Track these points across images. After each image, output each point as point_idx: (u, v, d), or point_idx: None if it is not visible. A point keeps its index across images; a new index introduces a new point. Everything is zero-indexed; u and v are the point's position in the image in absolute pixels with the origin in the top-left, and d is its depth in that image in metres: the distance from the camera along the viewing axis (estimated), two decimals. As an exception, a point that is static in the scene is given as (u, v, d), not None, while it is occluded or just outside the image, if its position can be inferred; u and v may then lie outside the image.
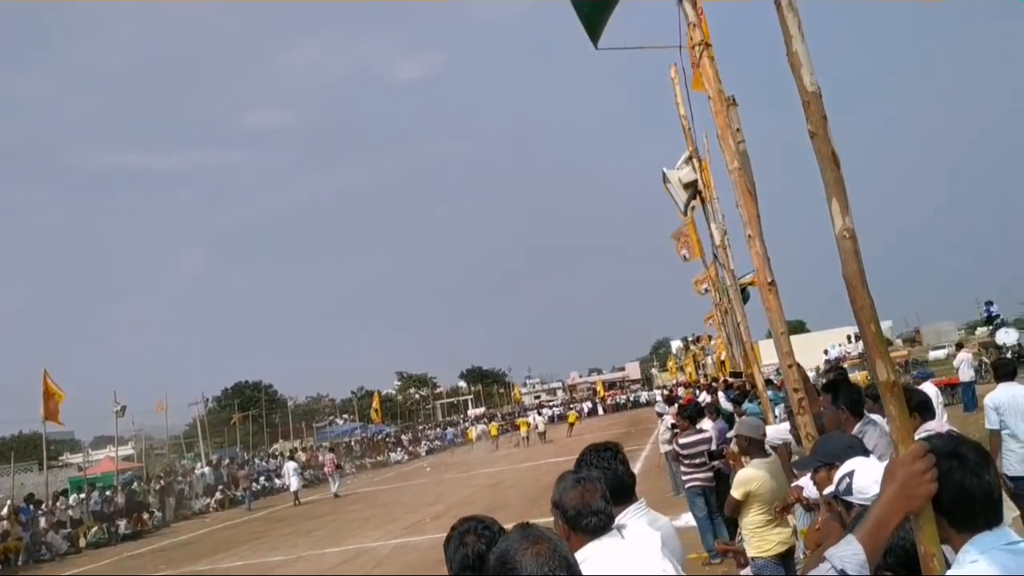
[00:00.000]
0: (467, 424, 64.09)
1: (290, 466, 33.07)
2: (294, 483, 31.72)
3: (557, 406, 72.52)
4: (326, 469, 34.31)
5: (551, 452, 34.90)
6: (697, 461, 10.24)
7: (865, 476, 3.03)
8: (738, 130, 5.93)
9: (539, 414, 54.05)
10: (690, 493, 10.36)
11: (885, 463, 3.47)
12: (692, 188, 10.19)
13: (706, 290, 22.28)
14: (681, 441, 10.48)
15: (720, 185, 10.47)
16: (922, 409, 5.14)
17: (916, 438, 2.37)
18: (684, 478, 10.53)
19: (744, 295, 12.13)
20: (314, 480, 39.27)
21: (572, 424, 50.36)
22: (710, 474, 10.26)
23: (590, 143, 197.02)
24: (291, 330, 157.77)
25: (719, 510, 10.07)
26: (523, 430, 48.16)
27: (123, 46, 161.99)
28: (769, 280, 5.09)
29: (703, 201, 10.22)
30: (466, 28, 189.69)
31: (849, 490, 3.03)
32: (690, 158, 10.25)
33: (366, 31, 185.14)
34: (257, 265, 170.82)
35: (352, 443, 51.44)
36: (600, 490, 2.86)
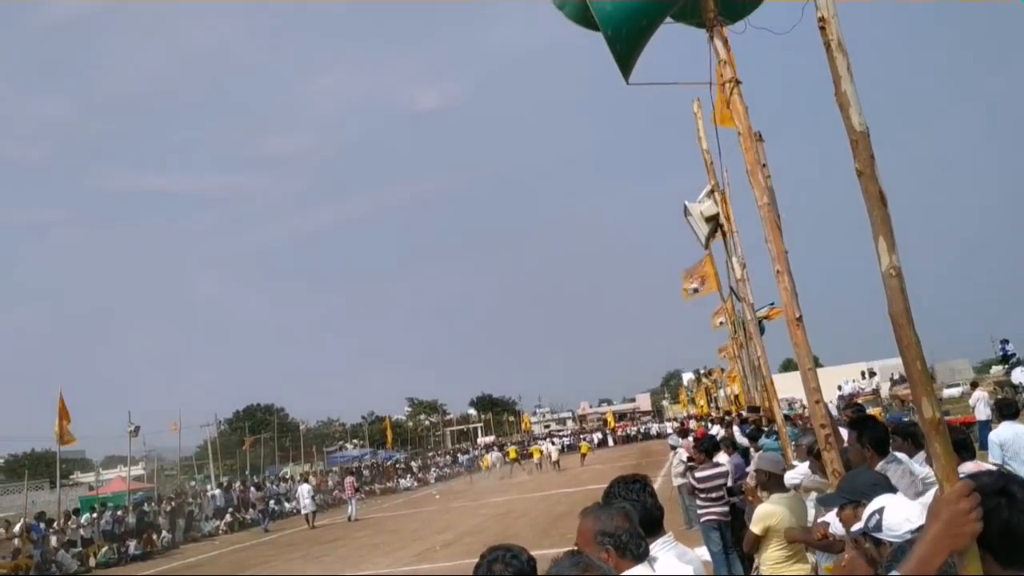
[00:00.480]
0: (481, 451, 63.57)
1: (304, 489, 33.02)
2: (307, 506, 31.63)
3: (567, 436, 71.88)
4: (346, 493, 34.33)
5: (562, 482, 34.72)
6: (713, 495, 10.16)
7: (895, 513, 3.02)
8: (764, 165, 5.98)
9: (552, 443, 54.52)
10: (705, 527, 10.25)
11: (916, 501, 3.47)
12: (714, 221, 10.21)
13: (721, 323, 22.27)
14: (698, 475, 10.40)
15: (741, 219, 10.54)
16: (959, 448, 5.13)
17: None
18: (700, 512, 10.42)
19: (759, 329, 12.12)
20: (323, 504, 39.15)
21: (584, 454, 51.13)
22: (726, 508, 10.18)
23: (606, 174, 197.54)
24: (303, 354, 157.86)
25: (734, 545, 10.00)
26: (536, 457, 48.88)
27: (148, 71, 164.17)
28: (797, 315, 5.10)
29: (724, 235, 10.25)
30: (485, 59, 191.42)
31: (879, 527, 3.00)
32: (712, 191, 10.29)
33: (386, 60, 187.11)
34: (272, 289, 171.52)
35: (362, 468, 51.27)
36: (636, 519, 2.91)
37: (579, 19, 5.52)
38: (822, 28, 3.23)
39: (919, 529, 2.79)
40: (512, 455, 51.54)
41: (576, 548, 2.28)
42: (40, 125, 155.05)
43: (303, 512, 31.96)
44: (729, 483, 10.33)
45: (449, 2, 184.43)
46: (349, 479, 35.57)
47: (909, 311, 2.70)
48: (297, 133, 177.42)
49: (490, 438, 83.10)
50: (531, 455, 50.99)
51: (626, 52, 5.27)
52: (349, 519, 31.28)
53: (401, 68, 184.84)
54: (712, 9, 5.33)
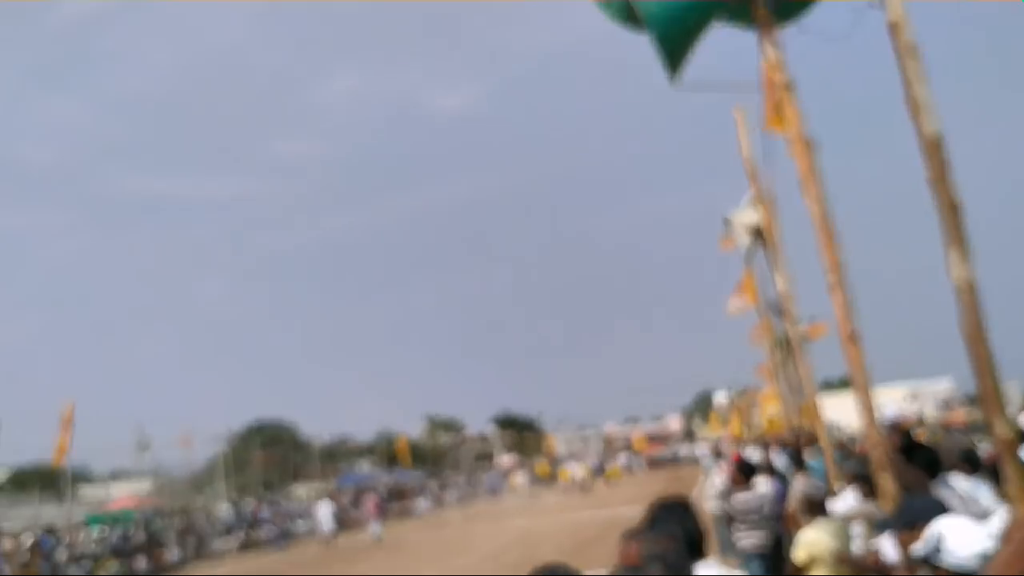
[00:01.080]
0: (505, 473, 63.71)
1: (324, 508, 32.42)
2: (328, 526, 31.12)
3: (594, 459, 70.82)
4: (370, 512, 33.46)
5: (587, 505, 34.26)
6: (752, 522, 9.86)
7: (958, 537, 3.00)
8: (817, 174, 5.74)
9: (579, 464, 53.26)
10: (745, 555, 9.93)
11: (977, 524, 3.37)
12: (756, 232, 9.95)
13: (760, 341, 21.86)
14: (735, 500, 10.10)
15: (788, 225, 10.21)
16: None
17: None
18: (738, 535, 10.09)
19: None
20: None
21: (609, 476, 52.38)
22: (765, 533, 9.89)
23: (634, 182, 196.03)
24: (316, 367, 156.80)
25: (774, 572, 9.70)
26: (564, 479, 48.60)
27: (157, 73, 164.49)
28: (851, 332, 4.87)
29: (767, 246, 9.98)
30: (508, 62, 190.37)
31: (940, 551, 2.98)
32: (754, 201, 10.05)
33: (405, 62, 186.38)
34: (284, 299, 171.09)
35: (377, 488, 50.78)
36: (681, 543, 2.97)
37: (624, 20, 5.36)
38: (893, 32, 3.08)
39: (982, 553, 2.84)
40: (541, 471, 52.75)
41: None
42: (49, 127, 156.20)
43: (324, 530, 31.38)
44: (769, 508, 10.05)
45: (471, 3, 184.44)
46: (373, 497, 35.31)
47: (983, 326, 2.53)
48: (313, 137, 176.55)
49: (511, 457, 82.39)
50: (559, 477, 50.73)
51: (673, 54, 5.08)
52: (378, 539, 30.33)
53: (421, 70, 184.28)
54: (764, 10, 5.15)
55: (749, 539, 9.63)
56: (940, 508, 3.65)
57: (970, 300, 2.61)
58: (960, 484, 5.50)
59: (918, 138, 2.79)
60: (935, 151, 2.78)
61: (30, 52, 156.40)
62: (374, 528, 31.34)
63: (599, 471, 56.47)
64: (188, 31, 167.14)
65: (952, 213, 2.67)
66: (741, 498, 9.82)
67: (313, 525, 35.17)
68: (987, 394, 2.57)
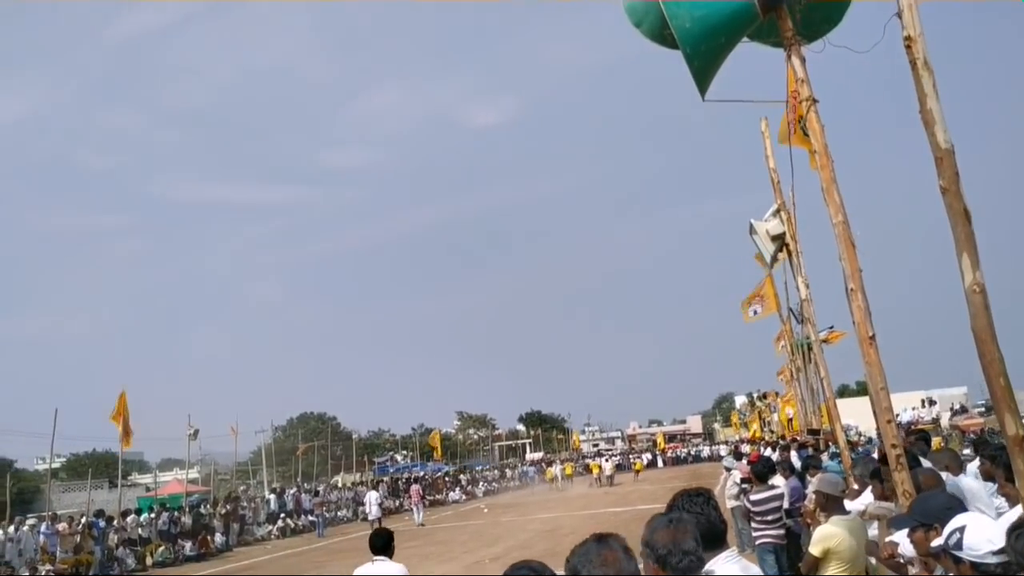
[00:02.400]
0: (540, 466, 66.92)
1: (372, 495, 33.87)
2: (374, 512, 32.34)
3: (618, 455, 71.69)
4: (412, 500, 35.69)
5: (611, 501, 34.48)
6: (769, 518, 10.03)
7: (977, 533, 3.04)
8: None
9: (606, 460, 57.30)
10: (761, 550, 10.05)
11: (995, 521, 3.45)
12: (779, 241, 10.15)
13: (783, 346, 21.99)
14: (753, 497, 10.25)
15: (807, 238, 10.47)
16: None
17: None
18: (755, 534, 10.27)
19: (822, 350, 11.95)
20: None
21: (638, 471, 57.08)
22: (782, 531, 10.05)
23: (661, 192, 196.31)
24: (357, 364, 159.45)
25: (790, 568, 9.87)
26: (595, 472, 53.61)
27: (212, 85, 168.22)
28: (870, 334, 5.09)
29: (790, 254, 10.19)
30: (544, 76, 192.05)
31: (960, 545, 3.03)
32: (778, 211, 10.25)
33: (445, 77, 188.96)
34: (328, 299, 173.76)
35: (412, 479, 51.74)
36: (692, 532, 2.85)
37: (657, 37, 5.62)
38: (908, 47, 3.27)
39: (1001, 550, 2.90)
40: (568, 471, 55.83)
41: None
42: (109, 135, 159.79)
43: (370, 518, 32.60)
44: (786, 505, 10.22)
45: (509, 22, 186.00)
46: (415, 487, 37.02)
47: (992, 327, 2.73)
48: (357, 147, 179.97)
49: (539, 454, 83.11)
50: (590, 470, 55.93)
51: (703, 69, 5.35)
52: (420, 524, 32.32)
53: (459, 85, 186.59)
54: (791, 28, 5.38)
55: (765, 534, 9.84)
56: (958, 507, 3.64)
57: (980, 303, 2.79)
58: (970, 484, 5.66)
59: (932, 149, 2.97)
60: (947, 162, 2.94)
61: (92, 64, 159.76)
62: (417, 515, 33.53)
63: (626, 467, 61.04)
64: (241, 46, 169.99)
65: (963, 220, 2.83)
66: (758, 496, 10.02)
67: (349, 513, 39.05)
68: (997, 393, 2.75)
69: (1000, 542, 2.92)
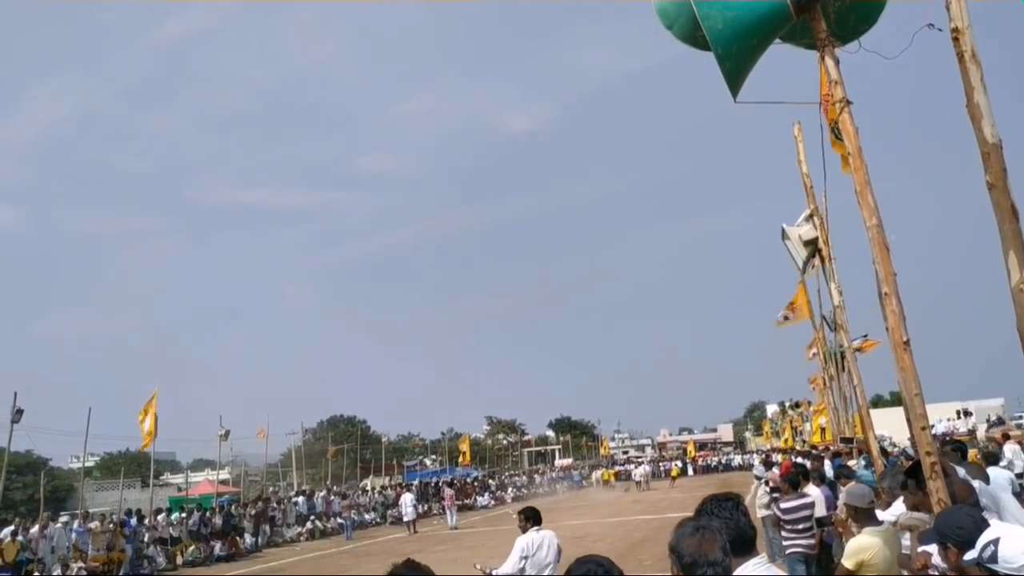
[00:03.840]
0: (590, 470, 70.26)
1: (407, 498, 34.91)
2: (409, 514, 33.39)
3: (648, 462, 71.80)
4: (446, 503, 36.22)
5: (640, 509, 34.28)
6: (800, 527, 9.91)
7: (1012, 545, 2.99)
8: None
9: (636, 467, 60.85)
10: (791, 560, 9.93)
11: None
12: (812, 246, 10.05)
13: (814, 354, 21.75)
14: (783, 506, 10.16)
15: (839, 245, 10.34)
16: None
17: None
18: (785, 543, 10.15)
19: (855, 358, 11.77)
20: (401, 519, 39.64)
21: (675, 477, 59.30)
22: (812, 540, 9.93)
23: (696, 198, 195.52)
24: (388, 368, 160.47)
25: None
26: (638, 476, 55.45)
27: (249, 90, 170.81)
28: (905, 339, 4.99)
29: (823, 260, 10.07)
30: (578, 83, 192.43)
31: (994, 558, 2.98)
32: (811, 215, 10.13)
33: (480, 84, 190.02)
34: (359, 303, 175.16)
35: (440, 484, 51.90)
36: (720, 541, 2.82)
37: (688, 39, 5.59)
38: (955, 39, 3.19)
39: None
40: (606, 477, 60.53)
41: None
42: (147, 138, 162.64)
43: (405, 519, 33.87)
44: (820, 513, 10.09)
45: (544, 29, 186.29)
46: (449, 491, 37.38)
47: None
48: (391, 152, 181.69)
49: (568, 460, 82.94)
50: (628, 475, 59.33)
51: (735, 71, 5.29)
52: (454, 527, 32.73)
53: (494, 91, 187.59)
54: (824, 29, 5.31)
55: (796, 543, 9.72)
56: (981, 522, 3.57)
57: None
58: (1000, 494, 5.54)
59: (978, 144, 2.89)
60: (994, 157, 2.86)
61: (131, 69, 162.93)
62: (450, 518, 34.01)
63: (659, 474, 64.14)
64: (278, 52, 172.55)
65: (1010, 217, 2.75)
66: (788, 504, 9.89)
67: (378, 516, 39.80)
68: None
69: None
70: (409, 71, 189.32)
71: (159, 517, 29.12)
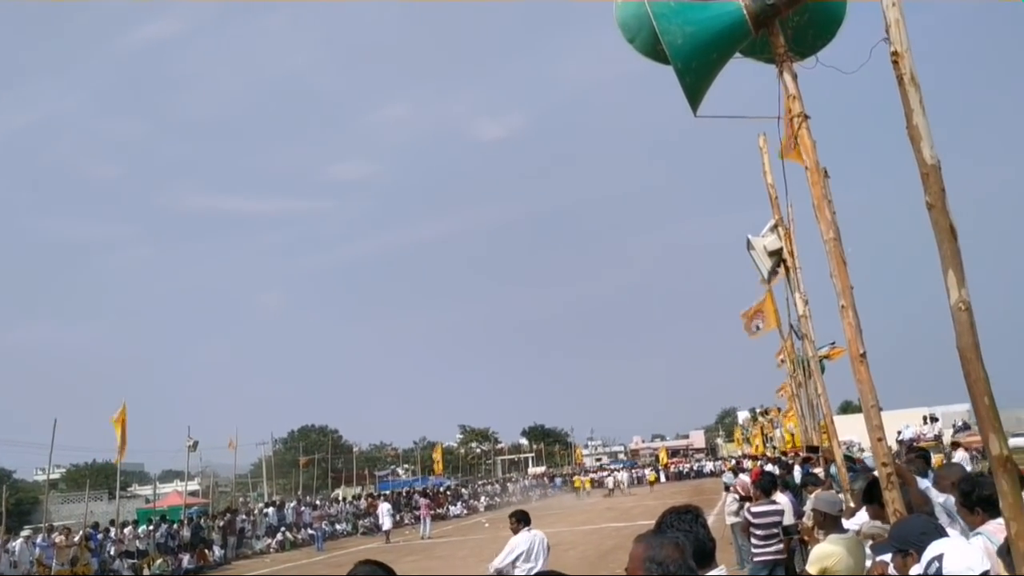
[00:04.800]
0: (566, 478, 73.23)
1: (384, 507, 35.11)
2: (387, 523, 33.69)
3: (621, 470, 72.55)
4: (421, 512, 36.25)
5: (613, 517, 34.34)
6: (768, 533, 9.95)
7: (956, 560, 3.01)
8: (830, 201, 5.96)
9: (622, 473, 65.92)
10: (758, 567, 9.99)
11: (974, 545, 3.40)
12: (776, 256, 10.14)
13: (783, 361, 21.93)
14: (754, 510, 10.18)
15: (803, 256, 10.45)
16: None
17: None
18: (754, 551, 10.15)
19: (820, 367, 11.92)
20: (373, 529, 39.35)
21: (652, 482, 63.02)
22: (780, 547, 9.97)
23: (666, 208, 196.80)
24: (359, 377, 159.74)
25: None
26: (611, 483, 59.87)
27: (220, 97, 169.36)
28: (861, 351, 5.05)
29: (787, 270, 10.17)
30: (550, 92, 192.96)
31: (939, 574, 3.00)
32: (776, 226, 10.23)
33: (452, 92, 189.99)
34: (331, 312, 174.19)
35: (413, 494, 51.66)
36: (688, 551, 2.87)
37: (649, 53, 5.62)
38: (895, 62, 3.24)
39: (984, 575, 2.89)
40: (577, 484, 62.80)
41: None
42: (118, 145, 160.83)
43: (383, 528, 34.14)
44: (788, 521, 10.15)
45: (515, 39, 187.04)
46: (424, 501, 37.53)
47: (978, 346, 2.68)
48: (363, 161, 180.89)
49: (541, 468, 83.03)
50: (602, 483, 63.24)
51: (695, 85, 5.34)
52: (427, 538, 32.49)
53: (467, 100, 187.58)
54: (782, 44, 5.37)
55: (764, 551, 9.75)
56: (935, 532, 3.61)
57: (966, 321, 2.76)
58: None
59: (918, 165, 2.94)
60: (933, 177, 2.91)
61: (101, 73, 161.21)
62: (424, 527, 34.06)
63: (635, 480, 66.97)
64: (250, 59, 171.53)
65: (949, 237, 2.80)
66: (759, 508, 9.94)
67: (349, 527, 39.73)
68: (981, 412, 2.72)
69: (979, 567, 2.92)
70: (383, 79, 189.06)
71: (125, 530, 28.71)
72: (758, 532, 9.91)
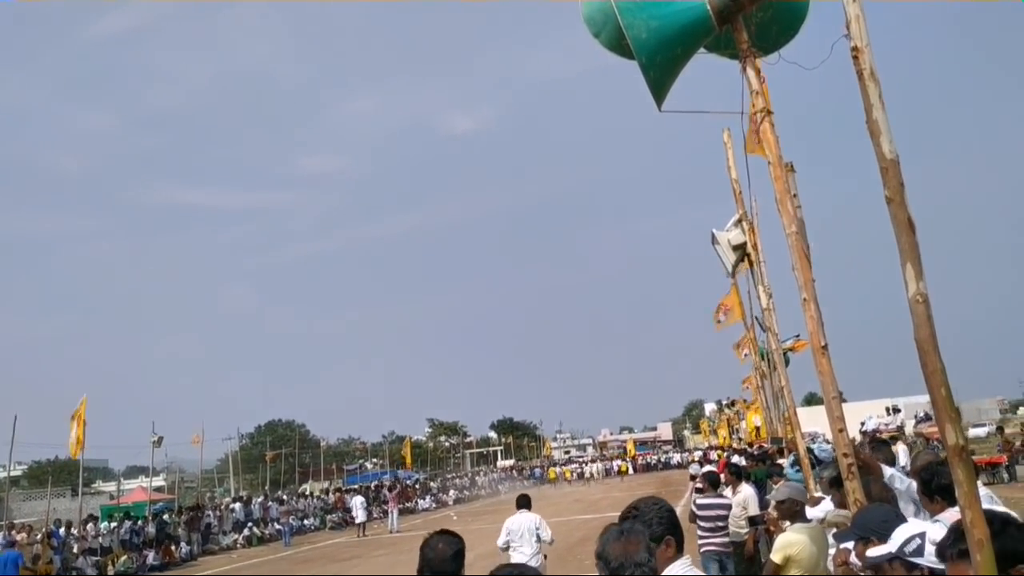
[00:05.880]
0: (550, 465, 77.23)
1: (358, 500, 35.39)
2: (360, 516, 33.86)
3: (589, 462, 73.45)
4: (389, 505, 35.99)
5: (580, 509, 34.53)
6: (712, 525, 10.05)
7: (938, 536, 3.00)
8: (794, 195, 6.02)
9: (598, 464, 71.62)
10: (704, 557, 10.01)
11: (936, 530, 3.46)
12: (741, 250, 10.24)
13: (746, 355, 22.14)
14: (699, 502, 10.31)
15: (767, 249, 10.56)
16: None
17: None
18: (699, 541, 10.21)
19: (784, 360, 12.03)
20: (342, 523, 39.19)
21: (623, 472, 68.30)
22: (726, 539, 10.09)
23: (634, 202, 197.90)
24: (327, 371, 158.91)
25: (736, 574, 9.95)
26: (588, 474, 66.18)
27: (188, 89, 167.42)
28: (823, 344, 5.12)
29: (751, 264, 10.26)
30: (520, 86, 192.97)
31: (920, 552, 3.03)
32: (740, 220, 10.32)
33: (422, 85, 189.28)
34: (299, 305, 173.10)
35: (382, 487, 51.57)
36: (644, 543, 2.87)
37: (615, 47, 5.64)
38: (855, 57, 3.29)
39: None
40: (552, 475, 68.04)
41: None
42: (83, 137, 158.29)
43: (357, 521, 34.34)
44: (753, 512, 10.28)
45: (485, 34, 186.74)
46: (392, 493, 37.36)
47: (935, 338, 2.73)
48: (333, 153, 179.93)
49: (510, 461, 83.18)
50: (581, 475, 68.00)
51: (659, 80, 5.37)
52: (395, 532, 32.49)
53: (437, 93, 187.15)
54: (746, 40, 5.41)
55: (709, 542, 9.88)
56: (896, 520, 3.66)
57: (923, 313, 2.79)
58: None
59: (877, 159, 2.99)
60: (892, 172, 2.95)
61: (65, 66, 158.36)
62: (392, 521, 34.11)
63: (606, 471, 69.96)
64: (218, 50, 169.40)
65: (907, 231, 2.84)
66: (703, 501, 10.06)
67: (317, 522, 39.66)
68: (939, 403, 2.75)
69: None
70: (351, 72, 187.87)
71: (88, 527, 28.32)
72: (703, 524, 10.04)
